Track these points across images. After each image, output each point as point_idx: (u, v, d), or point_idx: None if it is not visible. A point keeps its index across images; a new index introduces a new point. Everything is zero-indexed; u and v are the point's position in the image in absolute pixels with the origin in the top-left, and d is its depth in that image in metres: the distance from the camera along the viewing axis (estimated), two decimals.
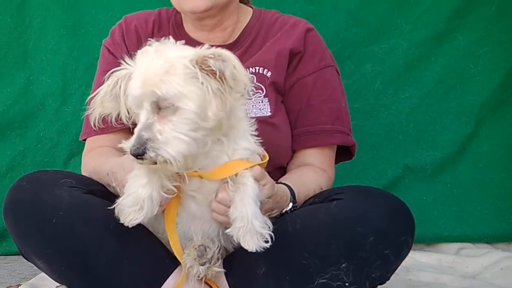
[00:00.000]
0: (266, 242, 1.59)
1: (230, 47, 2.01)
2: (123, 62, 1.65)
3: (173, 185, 1.64)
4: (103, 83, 2.07)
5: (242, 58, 1.98)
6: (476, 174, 2.82)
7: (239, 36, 2.12)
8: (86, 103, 2.12)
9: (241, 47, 2.09)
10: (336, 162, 2.16)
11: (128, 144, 1.55)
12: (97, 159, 2.00)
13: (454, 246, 2.82)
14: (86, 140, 2.13)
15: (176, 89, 1.53)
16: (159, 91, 1.53)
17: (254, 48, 2.08)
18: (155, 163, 1.54)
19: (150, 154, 1.52)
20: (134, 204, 1.61)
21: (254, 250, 1.59)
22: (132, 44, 2.11)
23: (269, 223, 1.63)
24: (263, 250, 1.59)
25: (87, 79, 2.81)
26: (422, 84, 2.80)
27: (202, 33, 2.11)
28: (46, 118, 2.90)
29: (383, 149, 2.85)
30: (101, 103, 1.65)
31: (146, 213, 1.61)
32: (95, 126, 1.69)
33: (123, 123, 2.03)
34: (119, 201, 1.64)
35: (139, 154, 1.53)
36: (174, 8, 2.15)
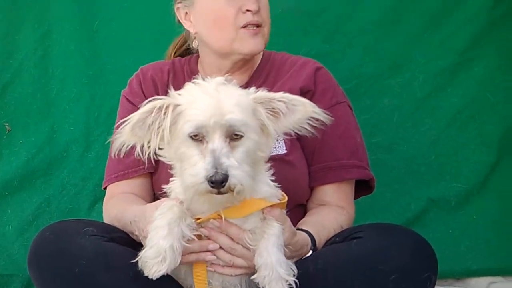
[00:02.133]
0: (291, 286, 1.62)
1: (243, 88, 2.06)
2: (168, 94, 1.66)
3: (194, 234, 1.67)
4: None
5: None
6: (502, 204, 2.76)
7: (250, 78, 2.17)
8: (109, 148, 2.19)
9: (253, 88, 2.13)
10: (356, 197, 2.16)
11: (203, 170, 1.55)
12: (118, 207, 2.03)
13: (484, 280, 2.76)
14: (107, 188, 2.17)
15: (247, 119, 1.59)
16: (235, 119, 1.57)
17: (266, 88, 2.12)
18: (229, 191, 1.55)
19: (233, 181, 1.54)
20: (157, 256, 1.62)
21: None
22: (149, 92, 2.18)
23: (294, 268, 1.65)
24: None
25: (109, 125, 2.85)
26: (440, 115, 2.78)
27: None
28: (70, 165, 2.94)
29: (405, 182, 2.82)
30: (131, 129, 1.63)
31: (169, 264, 1.62)
32: (114, 156, 1.69)
33: (143, 168, 2.09)
34: (141, 253, 1.66)
35: (222, 181, 1.53)
36: (187, 57, 2.22)
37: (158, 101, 1.64)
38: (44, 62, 2.95)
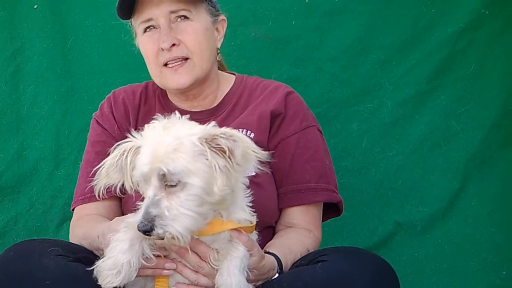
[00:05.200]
0: None
1: (213, 111, 2.11)
2: (129, 135, 1.71)
3: (154, 254, 1.69)
4: (92, 153, 2.15)
5: (226, 121, 2.08)
6: (466, 229, 2.81)
7: (221, 101, 2.20)
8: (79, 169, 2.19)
9: (224, 111, 2.17)
10: (324, 219, 2.20)
11: (136, 219, 1.61)
12: (86, 226, 2.03)
13: None
14: (75, 210, 2.17)
15: (184, 166, 1.59)
16: (167, 168, 1.58)
17: (237, 111, 2.16)
18: (162, 238, 1.60)
19: (158, 231, 1.58)
20: (112, 268, 1.65)
21: None
22: (119, 116, 2.21)
23: None
24: None
25: (80, 143, 2.85)
26: (408, 141, 2.84)
27: (186, 102, 2.21)
28: (39, 183, 2.93)
29: (373, 206, 2.86)
30: (106, 174, 1.71)
31: (123, 278, 1.65)
32: (99, 196, 1.74)
33: (111, 191, 2.10)
34: (98, 263, 1.68)
35: (147, 231, 1.58)
36: None
37: (125, 144, 1.70)
38: (15, 78, 2.95)
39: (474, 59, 2.78)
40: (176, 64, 2.10)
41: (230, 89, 2.23)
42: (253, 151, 1.62)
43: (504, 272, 2.77)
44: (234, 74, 2.30)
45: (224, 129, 1.64)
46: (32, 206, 2.92)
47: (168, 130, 1.64)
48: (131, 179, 1.68)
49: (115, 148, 1.72)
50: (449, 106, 2.81)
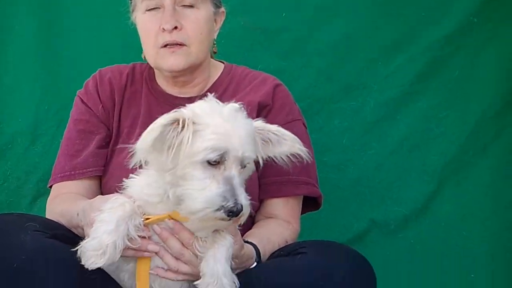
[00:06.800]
0: None
1: (200, 98, 2.08)
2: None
3: (139, 235, 1.67)
4: (74, 131, 2.11)
5: None
6: (438, 232, 2.86)
7: (208, 89, 2.20)
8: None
9: None
10: (303, 212, 2.21)
11: (220, 197, 1.57)
12: (65, 203, 2.01)
13: None
14: (52, 187, 2.14)
15: (254, 153, 1.65)
16: (251, 152, 1.63)
17: (224, 100, 2.11)
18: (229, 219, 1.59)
19: (245, 212, 1.59)
20: (97, 249, 1.62)
21: None
22: (105, 95, 2.18)
23: (237, 281, 1.68)
24: None
25: (59, 120, 2.82)
26: (387, 141, 2.87)
27: (174, 88, 2.19)
28: (14, 157, 2.88)
29: (349, 203, 2.89)
30: (151, 145, 1.58)
31: (108, 259, 1.62)
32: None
33: (91, 170, 2.08)
34: (83, 243, 1.65)
35: (239, 212, 1.57)
36: (148, 63, 2.22)
37: (177, 114, 1.61)
38: None
39: (459, 65, 2.82)
40: (173, 47, 2.07)
41: (219, 77, 2.23)
42: (301, 150, 1.70)
43: (473, 275, 2.83)
44: (223, 62, 2.29)
45: (276, 127, 1.73)
46: (5, 180, 2.87)
47: (237, 114, 1.64)
48: (172, 156, 1.58)
49: (164, 117, 1.58)
50: (431, 110, 2.85)
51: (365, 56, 2.86)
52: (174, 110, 1.61)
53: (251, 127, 1.67)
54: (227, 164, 1.59)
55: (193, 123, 1.59)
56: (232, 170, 1.59)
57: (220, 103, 1.68)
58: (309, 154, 1.73)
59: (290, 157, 1.73)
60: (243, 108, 1.68)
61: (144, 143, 1.58)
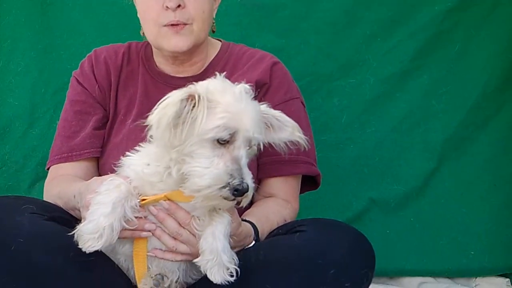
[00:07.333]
0: (232, 276, 1.64)
1: (198, 78, 2.05)
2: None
3: (135, 216, 1.66)
4: (71, 112, 2.10)
5: None
6: (438, 209, 2.86)
7: (206, 68, 2.17)
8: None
9: (209, 78, 2.12)
10: (301, 192, 2.20)
11: (226, 175, 1.55)
12: (62, 185, 1.99)
13: (416, 280, 2.85)
14: (50, 169, 2.13)
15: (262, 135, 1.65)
16: (260, 134, 1.63)
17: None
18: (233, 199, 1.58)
19: (251, 191, 1.58)
20: (94, 232, 1.61)
21: (219, 283, 1.63)
22: (100, 75, 2.15)
23: (236, 258, 1.67)
24: (227, 283, 1.63)
25: (56, 102, 2.80)
26: (387, 119, 2.86)
27: (172, 67, 2.16)
28: (12, 141, 2.87)
29: (349, 181, 2.89)
30: (168, 125, 1.55)
31: (105, 242, 1.61)
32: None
33: (88, 152, 2.06)
34: (79, 226, 1.64)
35: (245, 191, 1.56)
36: (144, 42, 2.20)
37: (191, 89, 1.58)
38: None
39: (459, 40, 2.80)
40: (177, 27, 2.03)
41: (216, 55, 2.20)
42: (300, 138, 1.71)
43: (472, 252, 2.84)
44: (220, 41, 2.26)
45: (279, 113, 1.72)
46: (4, 164, 2.87)
47: (246, 96, 1.62)
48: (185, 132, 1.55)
49: (176, 93, 1.55)
50: (431, 85, 2.84)
51: (362, 34, 2.84)
52: (188, 85, 1.59)
53: (259, 109, 1.66)
54: (236, 144, 1.58)
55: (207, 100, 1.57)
56: (241, 150, 1.58)
57: (231, 83, 1.67)
58: (307, 140, 1.72)
59: (288, 144, 1.73)
60: (252, 90, 1.66)
61: (164, 118, 1.54)
